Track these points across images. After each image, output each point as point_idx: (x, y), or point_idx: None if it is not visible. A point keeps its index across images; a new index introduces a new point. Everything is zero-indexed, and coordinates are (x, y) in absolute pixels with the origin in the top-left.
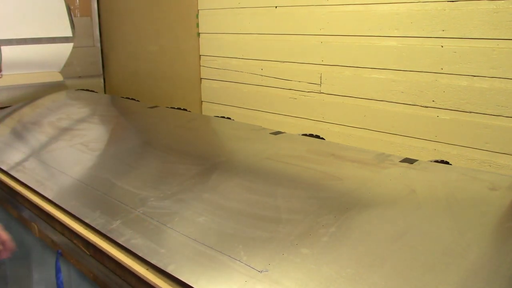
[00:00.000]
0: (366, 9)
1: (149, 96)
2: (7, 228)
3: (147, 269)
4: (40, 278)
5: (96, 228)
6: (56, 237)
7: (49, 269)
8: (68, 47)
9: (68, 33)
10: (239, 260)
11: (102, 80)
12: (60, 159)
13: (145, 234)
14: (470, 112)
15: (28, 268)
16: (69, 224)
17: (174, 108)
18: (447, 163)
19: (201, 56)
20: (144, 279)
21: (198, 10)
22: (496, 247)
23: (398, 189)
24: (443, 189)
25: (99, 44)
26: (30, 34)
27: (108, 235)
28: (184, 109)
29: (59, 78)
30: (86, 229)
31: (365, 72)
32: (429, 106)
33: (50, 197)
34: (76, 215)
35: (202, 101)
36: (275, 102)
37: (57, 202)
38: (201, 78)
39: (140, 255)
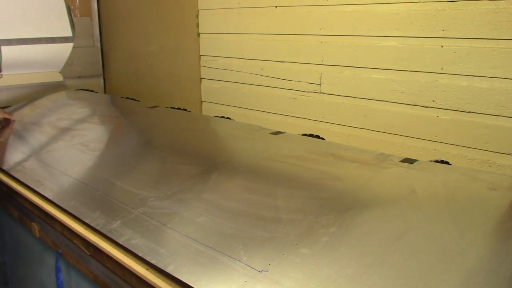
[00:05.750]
0: (366, 9)
1: (149, 96)
2: (7, 228)
3: (147, 269)
4: (40, 278)
5: (96, 228)
6: (56, 237)
7: (49, 269)
8: (68, 47)
9: (68, 33)
10: (239, 260)
11: (102, 80)
12: (60, 159)
13: (145, 234)
14: (470, 112)
15: (28, 268)
16: (69, 224)
17: (174, 108)
18: (447, 163)
19: (201, 56)
20: (144, 279)
21: (198, 10)
22: (496, 247)
23: (398, 189)
24: (443, 189)
25: (99, 44)
26: (30, 34)
27: (108, 235)
28: (184, 109)
29: (59, 78)
30: (86, 229)
31: (365, 72)
32: (429, 106)
33: (50, 197)
34: (76, 215)
35: (202, 101)
36: (275, 102)
37: (57, 202)
38: (201, 78)
39: (140, 255)
